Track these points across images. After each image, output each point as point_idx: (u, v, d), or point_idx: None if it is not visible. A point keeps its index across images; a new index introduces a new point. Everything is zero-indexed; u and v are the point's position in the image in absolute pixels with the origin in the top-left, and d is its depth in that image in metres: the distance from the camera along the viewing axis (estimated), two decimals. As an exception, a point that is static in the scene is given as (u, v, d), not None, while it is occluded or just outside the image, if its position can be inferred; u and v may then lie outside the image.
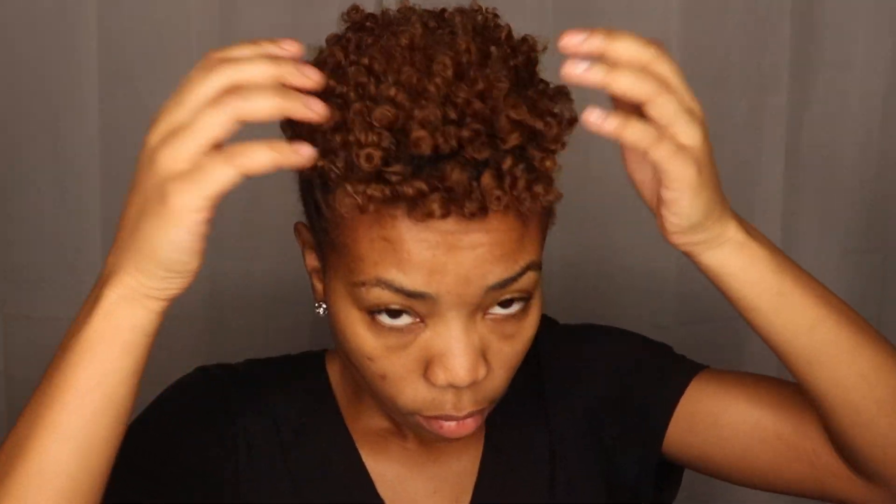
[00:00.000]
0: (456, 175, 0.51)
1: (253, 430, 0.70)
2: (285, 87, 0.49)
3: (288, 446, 0.71)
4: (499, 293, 0.57)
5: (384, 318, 0.57)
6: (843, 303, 0.62)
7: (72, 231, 1.16)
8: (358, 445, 0.71)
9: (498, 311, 0.58)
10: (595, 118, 0.52)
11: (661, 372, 0.75)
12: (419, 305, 0.56)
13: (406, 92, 0.52)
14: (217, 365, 0.75)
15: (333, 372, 0.74)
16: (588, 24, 1.25)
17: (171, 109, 0.53)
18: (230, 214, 1.16)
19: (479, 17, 0.59)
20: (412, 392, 0.59)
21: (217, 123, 0.48)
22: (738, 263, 0.59)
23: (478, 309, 0.57)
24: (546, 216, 0.61)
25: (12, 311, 1.18)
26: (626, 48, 0.52)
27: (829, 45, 1.23)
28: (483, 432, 0.73)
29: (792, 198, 1.26)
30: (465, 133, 0.51)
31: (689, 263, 1.31)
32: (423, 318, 0.57)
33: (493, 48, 0.56)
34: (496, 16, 0.60)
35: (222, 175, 0.48)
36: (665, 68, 0.54)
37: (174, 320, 1.19)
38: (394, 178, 0.51)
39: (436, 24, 0.57)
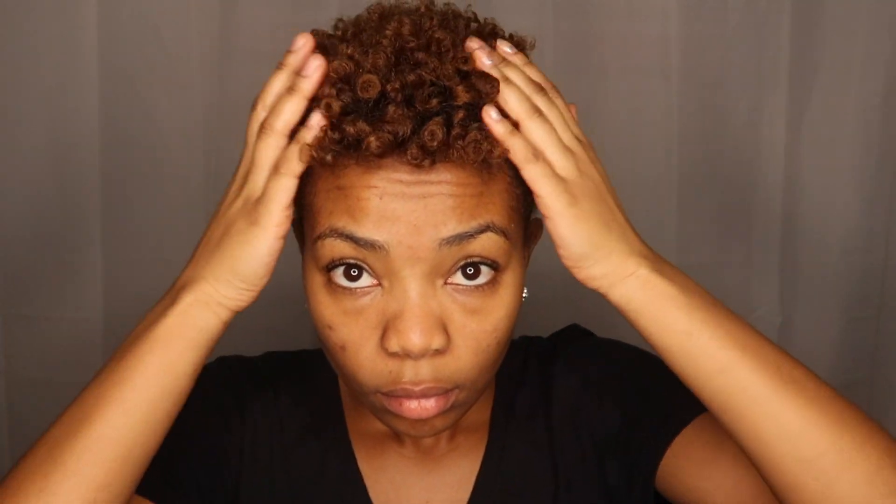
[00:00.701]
0: (397, 116, 0.53)
1: (260, 427, 0.72)
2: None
3: (290, 447, 0.72)
4: (456, 251, 0.55)
5: (341, 279, 0.57)
6: (773, 349, 0.57)
7: (72, 231, 1.16)
8: (356, 449, 0.72)
9: (461, 279, 0.57)
10: (490, 117, 0.54)
11: (665, 406, 0.69)
12: (374, 259, 0.55)
13: (362, 46, 0.55)
14: (236, 357, 0.76)
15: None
16: (588, 23, 1.26)
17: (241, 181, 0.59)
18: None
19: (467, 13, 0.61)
20: (370, 364, 0.57)
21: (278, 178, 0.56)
22: (643, 300, 0.58)
23: (436, 272, 0.56)
24: (518, 195, 0.59)
25: (12, 311, 1.18)
26: (517, 76, 0.57)
27: (829, 45, 1.23)
28: (484, 444, 0.72)
29: (792, 198, 1.26)
30: (411, 77, 0.53)
31: (690, 263, 1.32)
32: (380, 279, 0.56)
33: (460, 22, 0.59)
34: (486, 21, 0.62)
35: (285, 184, 0.55)
36: (547, 102, 0.58)
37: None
38: (345, 124, 0.53)
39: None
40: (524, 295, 0.63)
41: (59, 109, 1.13)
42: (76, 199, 1.15)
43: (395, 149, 0.53)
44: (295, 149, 0.55)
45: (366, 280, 0.57)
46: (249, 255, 0.56)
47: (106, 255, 1.16)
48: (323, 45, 0.58)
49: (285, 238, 0.56)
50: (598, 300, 1.34)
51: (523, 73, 0.58)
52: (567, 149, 0.57)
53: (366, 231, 0.55)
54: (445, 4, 0.61)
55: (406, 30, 0.55)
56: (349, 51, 0.55)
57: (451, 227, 0.55)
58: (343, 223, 0.55)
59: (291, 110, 0.55)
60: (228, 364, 0.75)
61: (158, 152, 1.15)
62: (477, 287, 0.57)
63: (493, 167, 0.56)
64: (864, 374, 1.33)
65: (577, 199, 0.56)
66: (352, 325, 0.57)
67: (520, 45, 0.61)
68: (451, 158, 0.54)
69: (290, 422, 0.72)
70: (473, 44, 0.56)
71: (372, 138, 0.53)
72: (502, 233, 0.56)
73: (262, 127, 0.57)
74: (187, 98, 1.14)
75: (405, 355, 0.56)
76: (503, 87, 0.55)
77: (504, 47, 0.58)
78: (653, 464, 0.68)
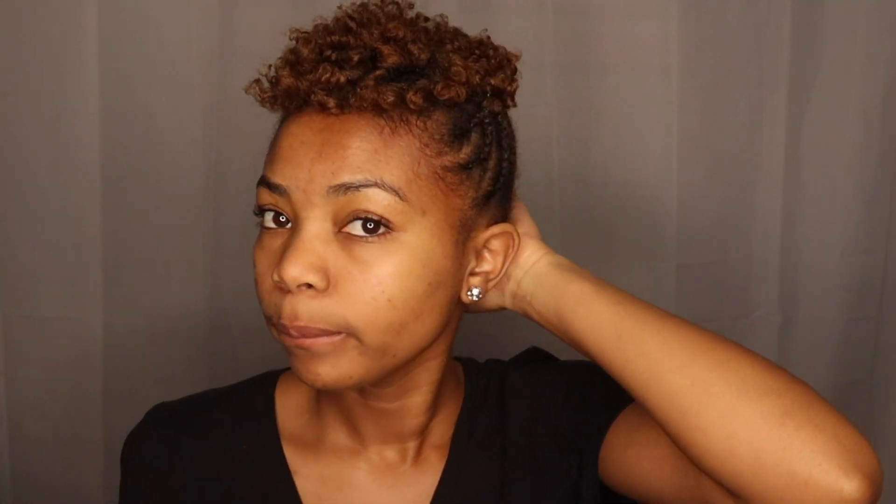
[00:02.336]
0: (310, 61, 0.59)
1: (201, 465, 0.72)
2: None
3: (228, 480, 0.71)
4: (345, 201, 0.58)
5: (268, 221, 0.61)
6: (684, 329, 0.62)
7: (72, 231, 1.16)
8: (302, 468, 0.71)
9: (357, 230, 0.59)
10: None
11: (602, 399, 0.70)
12: (283, 203, 0.60)
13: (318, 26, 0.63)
14: (161, 406, 0.76)
15: (283, 394, 0.74)
16: (588, 23, 1.26)
17: None
18: (230, 214, 1.16)
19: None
20: (267, 296, 0.61)
21: None
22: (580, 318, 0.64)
23: (331, 219, 0.59)
24: (435, 166, 0.60)
25: (12, 311, 1.18)
26: None
27: (829, 45, 1.23)
28: (442, 462, 0.71)
29: (792, 198, 1.26)
30: (335, 38, 0.60)
31: (689, 264, 1.32)
32: (291, 221, 0.61)
33: (427, 21, 0.64)
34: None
35: None
36: None
37: (176, 321, 1.20)
38: (277, 73, 0.61)
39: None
40: (473, 296, 0.65)
41: (59, 109, 1.13)
42: (76, 199, 1.15)
43: (308, 94, 0.59)
44: None
45: (287, 225, 0.61)
46: None
47: (106, 255, 1.16)
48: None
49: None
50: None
51: None
52: None
53: (275, 176, 0.60)
54: (440, 15, 0.68)
55: (351, 10, 0.63)
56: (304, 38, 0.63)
57: (339, 177, 0.58)
58: (266, 170, 0.61)
59: None
60: (153, 421, 0.75)
61: (158, 152, 1.15)
62: (364, 239, 0.59)
63: (400, 129, 0.59)
64: (864, 374, 1.33)
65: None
66: (263, 260, 0.62)
67: (507, 57, 0.65)
68: (354, 107, 0.58)
69: (219, 455, 0.72)
70: None
71: (284, 76, 0.60)
72: (393, 191, 0.58)
73: None
74: (187, 98, 1.14)
75: (285, 287, 0.58)
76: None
77: None
78: (594, 452, 0.69)
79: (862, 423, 1.35)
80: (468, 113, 0.62)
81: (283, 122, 0.62)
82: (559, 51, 1.18)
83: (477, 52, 0.64)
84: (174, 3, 1.13)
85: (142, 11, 1.12)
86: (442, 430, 0.72)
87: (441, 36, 0.64)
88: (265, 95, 0.62)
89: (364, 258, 0.59)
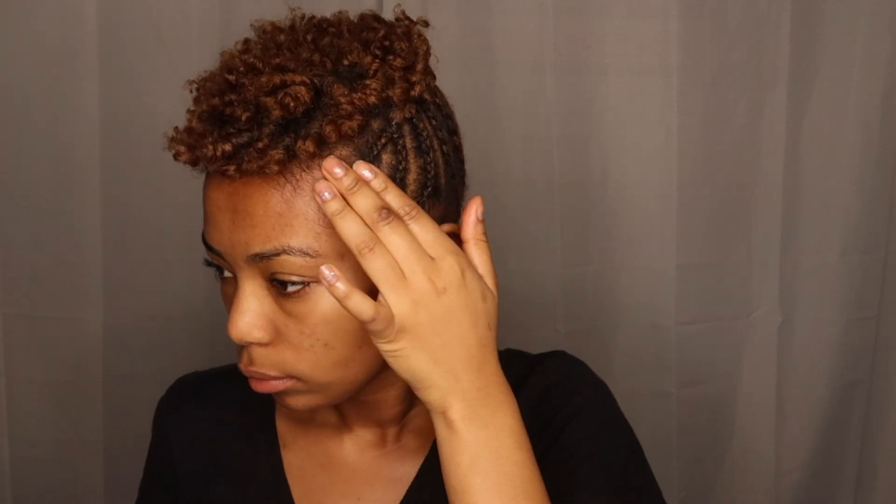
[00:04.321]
0: (198, 132, 0.59)
1: (204, 431, 0.78)
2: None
3: (220, 450, 0.77)
4: (263, 267, 0.59)
5: (218, 271, 0.64)
6: None
7: (72, 231, 1.16)
8: (287, 446, 0.75)
9: (278, 288, 0.60)
10: (322, 196, 0.56)
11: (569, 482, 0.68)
12: (221, 260, 0.62)
13: (212, 73, 0.63)
14: (185, 376, 0.83)
15: None
16: (588, 23, 1.26)
17: None
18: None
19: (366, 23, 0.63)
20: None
21: None
22: (442, 439, 0.59)
23: (258, 276, 0.60)
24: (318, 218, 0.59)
25: (12, 311, 1.18)
26: (364, 202, 0.57)
27: (829, 45, 1.23)
28: (425, 447, 0.72)
29: (792, 198, 1.26)
30: (223, 99, 0.59)
31: (689, 264, 1.32)
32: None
33: (321, 39, 0.61)
34: (380, 20, 0.63)
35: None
36: (395, 230, 0.57)
37: (176, 321, 1.20)
38: (174, 145, 0.62)
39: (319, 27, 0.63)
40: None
41: (59, 109, 1.13)
42: (76, 199, 1.15)
43: (202, 161, 0.59)
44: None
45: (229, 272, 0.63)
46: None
47: (106, 255, 1.16)
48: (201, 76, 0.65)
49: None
50: (595, 295, 1.34)
51: (373, 199, 0.57)
52: (407, 284, 0.57)
53: (209, 239, 0.62)
54: (340, 12, 0.64)
55: (237, 56, 0.62)
56: (207, 73, 0.63)
57: (252, 247, 0.59)
58: (204, 229, 0.63)
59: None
60: (173, 387, 0.82)
61: (158, 152, 1.15)
62: (289, 294, 0.60)
63: (301, 183, 0.58)
64: (864, 374, 1.33)
65: (405, 332, 0.57)
66: (227, 306, 0.64)
67: (414, 51, 0.61)
68: (252, 170, 0.57)
69: (220, 425, 0.77)
70: (329, 164, 0.57)
71: (182, 151, 0.60)
72: (302, 253, 0.58)
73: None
74: (187, 98, 1.14)
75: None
76: (340, 218, 0.56)
77: (363, 170, 0.58)
78: None
79: (862, 423, 1.35)
80: (374, 134, 0.59)
81: (207, 176, 0.63)
82: (559, 51, 1.18)
83: (378, 55, 0.60)
84: (174, 3, 1.13)
85: (142, 11, 1.12)
86: (423, 417, 0.73)
87: (339, 48, 0.60)
88: (183, 161, 0.62)
89: (294, 311, 0.61)
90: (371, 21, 0.63)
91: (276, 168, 0.57)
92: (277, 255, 0.58)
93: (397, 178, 0.60)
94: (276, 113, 0.57)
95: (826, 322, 1.30)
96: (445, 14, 1.16)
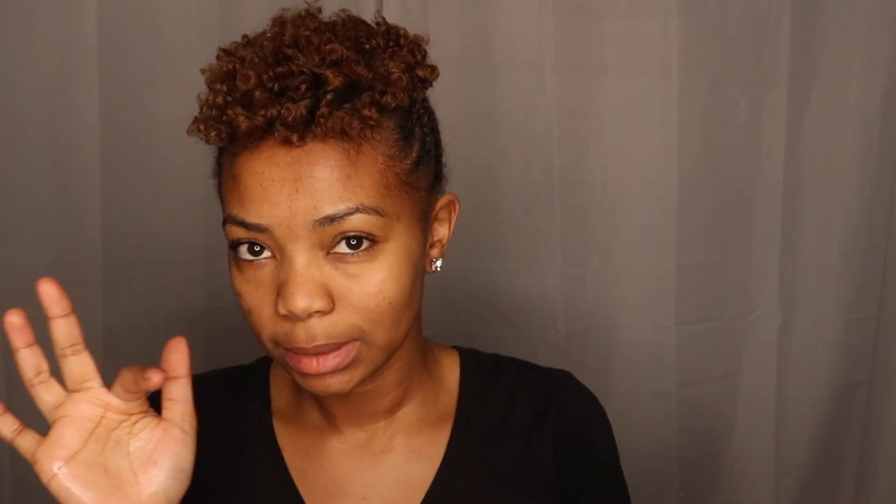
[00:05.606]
0: (264, 99, 0.59)
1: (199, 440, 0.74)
2: None
3: (224, 454, 0.75)
4: (331, 230, 0.61)
5: (245, 254, 0.63)
6: None
7: (72, 231, 1.16)
8: (288, 445, 0.75)
9: (343, 248, 0.62)
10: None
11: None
12: (264, 238, 0.62)
13: (250, 48, 0.63)
14: None
15: (277, 374, 0.78)
16: (588, 23, 1.26)
17: None
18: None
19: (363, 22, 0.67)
20: (271, 325, 0.63)
21: None
22: None
23: (317, 245, 0.61)
24: (398, 173, 0.63)
25: (12, 311, 1.18)
26: None
27: (829, 45, 1.23)
28: (441, 454, 0.73)
29: (792, 198, 1.26)
30: (282, 69, 0.60)
31: (689, 264, 1.32)
32: (274, 253, 0.63)
33: (344, 28, 0.64)
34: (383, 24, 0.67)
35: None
36: None
37: (176, 321, 1.20)
38: (227, 109, 0.61)
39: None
40: (434, 268, 0.70)
41: (59, 109, 1.13)
42: (76, 198, 1.15)
43: (267, 130, 0.60)
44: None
45: (265, 254, 0.63)
46: None
47: (106, 256, 1.16)
48: (227, 51, 0.66)
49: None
50: (595, 295, 1.33)
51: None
52: None
53: (252, 216, 0.61)
54: (342, 10, 0.67)
55: (286, 32, 0.63)
56: (240, 53, 0.63)
57: (322, 210, 0.60)
58: (236, 210, 0.62)
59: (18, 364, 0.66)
60: None
61: (158, 152, 1.15)
62: (354, 255, 0.62)
63: (364, 147, 0.61)
64: (864, 375, 1.33)
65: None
66: (254, 292, 0.64)
67: (416, 42, 0.66)
68: (316, 135, 0.60)
69: (216, 429, 0.73)
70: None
71: (242, 117, 0.59)
72: (374, 211, 0.61)
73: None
74: (187, 98, 1.14)
75: (294, 317, 0.62)
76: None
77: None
78: None
79: (862, 423, 1.35)
80: (407, 111, 0.65)
81: (236, 157, 0.62)
82: (559, 51, 1.18)
83: (392, 44, 0.65)
84: (174, 3, 1.13)
85: (142, 11, 1.12)
86: (417, 415, 0.74)
87: (355, 36, 0.64)
88: (215, 136, 0.63)
89: (357, 273, 0.62)
90: (361, 21, 0.67)
91: (342, 133, 0.60)
92: (352, 213, 0.60)
93: (426, 150, 0.66)
94: (337, 82, 0.59)
95: (826, 322, 1.30)
96: (445, 14, 1.17)
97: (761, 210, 1.26)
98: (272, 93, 0.60)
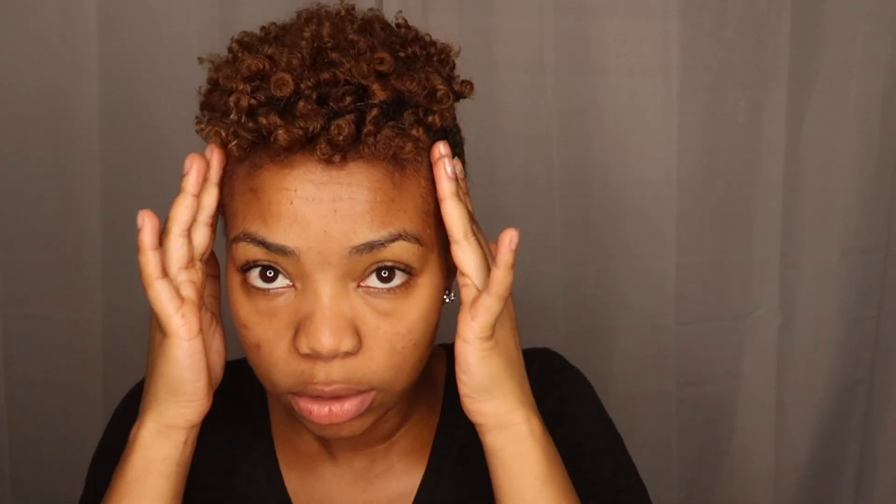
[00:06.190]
0: (308, 111, 0.53)
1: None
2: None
3: (216, 464, 0.71)
4: (368, 258, 0.55)
5: (256, 280, 0.57)
6: None
7: (72, 231, 1.16)
8: (284, 466, 0.71)
9: (375, 282, 0.56)
10: (440, 152, 0.57)
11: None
12: (286, 263, 0.55)
13: (281, 46, 0.56)
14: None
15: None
16: (588, 23, 1.26)
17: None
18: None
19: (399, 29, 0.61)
20: (283, 364, 0.57)
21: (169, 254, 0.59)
22: (512, 455, 0.60)
23: (349, 275, 0.56)
24: (436, 200, 0.58)
25: (12, 311, 1.18)
26: (464, 198, 0.59)
27: (829, 45, 1.23)
28: (422, 466, 0.70)
29: (792, 198, 1.26)
30: (325, 76, 0.54)
31: (689, 264, 1.32)
32: (293, 281, 0.56)
33: (380, 31, 0.58)
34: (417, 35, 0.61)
35: (157, 292, 0.58)
36: (477, 233, 0.59)
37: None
38: (258, 116, 0.54)
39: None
40: (447, 299, 0.63)
41: (59, 109, 1.13)
42: (76, 199, 1.15)
43: (306, 145, 0.53)
44: (162, 256, 0.58)
45: (280, 281, 0.57)
46: (171, 367, 0.58)
47: (106, 255, 1.16)
48: (246, 45, 0.59)
49: (200, 337, 0.58)
50: (595, 295, 1.33)
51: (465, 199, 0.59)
52: (497, 294, 0.58)
53: (277, 236, 0.54)
54: (370, 10, 0.61)
55: (325, 32, 0.56)
56: (268, 50, 0.56)
57: (362, 235, 0.54)
58: (255, 228, 0.55)
59: (179, 209, 0.58)
60: (127, 405, 0.74)
61: (158, 152, 1.15)
62: (390, 290, 0.57)
63: (407, 170, 0.56)
64: (864, 375, 1.33)
65: (496, 329, 0.58)
66: (266, 324, 0.57)
67: (447, 52, 0.61)
68: (362, 155, 0.54)
69: (215, 437, 0.69)
70: (440, 150, 0.57)
71: (281, 131, 0.53)
72: (415, 240, 0.56)
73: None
74: (187, 98, 1.14)
75: (316, 356, 0.56)
76: (453, 202, 0.57)
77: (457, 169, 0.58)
78: None
79: (862, 423, 1.35)
80: (446, 131, 0.60)
81: (258, 169, 0.56)
82: (559, 51, 1.18)
83: (426, 54, 0.59)
84: (174, 3, 1.13)
85: (142, 11, 1.12)
86: (414, 434, 0.71)
87: (391, 42, 0.58)
88: (236, 144, 0.55)
89: (389, 309, 0.57)
90: (387, 23, 0.61)
91: (388, 152, 0.54)
92: (394, 240, 0.55)
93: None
94: (383, 96, 0.54)
95: (826, 322, 1.30)
96: (445, 14, 1.16)
97: (761, 210, 1.26)
98: (313, 102, 0.53)
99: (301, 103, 0.53)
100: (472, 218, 0.59)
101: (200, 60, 0.62)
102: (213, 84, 0.60)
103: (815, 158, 1.26)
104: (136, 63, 1.13)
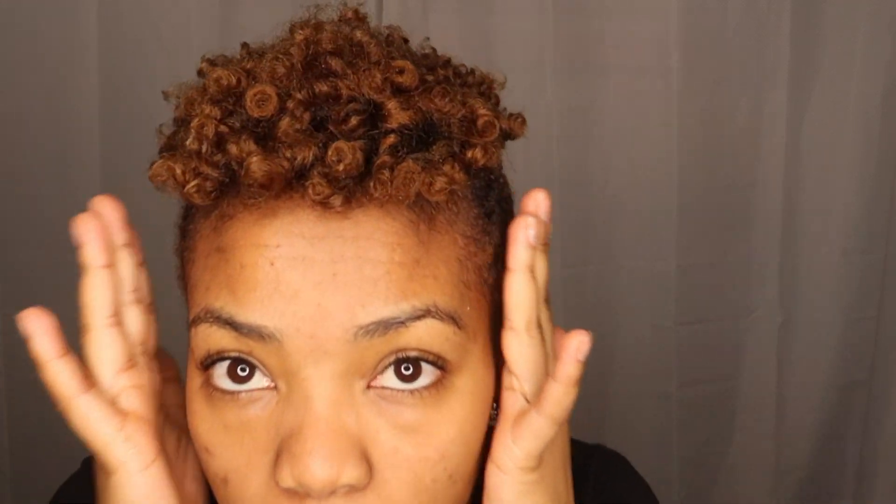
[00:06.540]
0: (295, 134, 0.38)
1: None
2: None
3: None
4: (382, 345, 0.38)
5: (222, 380, 0.40)
6: None
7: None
8: None
9: (393, 381, 0.40)
10: (535, 204, 0.42)
11: None
12: (264, 353, 0.39)
13: (255, 59, 0.42)
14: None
15: None
16: (588, 23, 1.26)
17: None
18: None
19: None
20: (261, 500, 0.40)
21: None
22: None
23: (354, 371, 0.39)
24: (480, 264, 0.43)
25: (12, 312, 1.18)
26: (544, 267, 0.42)
27: (829, 45, 1.23)
28: None
29: (792, 198, 1.26)
30: (323, 88, 0.39)
31: (689, 264, 1.32)
32: (275, 380, 0.40)
33: (402, 44, 0.45)
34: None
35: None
36: (546, 321, 0.43)
37: (176, 321, 1.19)
38: (227, 144, 0.39)
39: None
40: (495, 412, 0.44)
41: (59, 109, 1.13)
42: (76, 198, 1.15)
43: (293, 182, 0.38)
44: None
45: (257, 381, 0.40)
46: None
47: (106, 255, 1.16)
48: (221, 63, 0.46)
49: (161, 463, 0.42)
50: (595, 295, 1.33)
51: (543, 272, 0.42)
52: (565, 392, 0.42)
53: (250, 313, 0.38)
54: (388, 26, 0.47)
55: (324, 36, 0.41)
56: (246, 64, 0.41)
57: (374, 310, 0.38)
58: (221, 302, 0.39)
59: (92, 293, 0.47)
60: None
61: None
62: (414, 393, 0.40)
63: (438, 222, 0.40)
64: (864, 375, 1.33)
65: (543, 458, 0.42)
66: (235, 447, 0.40)
67: (490, 83, 0.49)
68: (373, 197, 0.38)
69: None
70: (537, 199, 0.42)
71: (256, 159, 0.37)
72: (451, 319, 0.39)
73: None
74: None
75: (305, 493, 0.38)
76: (524, 278, 0.40)
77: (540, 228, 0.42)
78: None
79: (862, 423, 1.35)
80: (488, 176, 0.44)
81: (227, 220, 0.41)
82: (559, 51, 1.18)
83: (461, 83, 0.46)
84: (174, 3, 1.12)
85: (142, 11, 1.12)
86: None
87: (414, 61, 0.43)
88: (196, 187, 0.40)
89: (412, 422, 0.40)
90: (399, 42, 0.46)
91: (411, 193, 0.38)
92: (419, 318, 0.38)
93: (503, 232, 0.44)
94: (404, 118, 0.39)
95: (826, 322, 1.30)
96: (445, 14, 1.16)
97: (761, 210, 1.26)
98: (303, 122, 0.38)
99: (286, 122, 0.38)
100: (547, 298, 0.44)
101: (166, 96, 0.48)
102: (179, 123, 0.46)
103: (815, 158, 1.26)
104: (136, 63, 1.13)
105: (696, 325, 1.27)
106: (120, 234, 0.47)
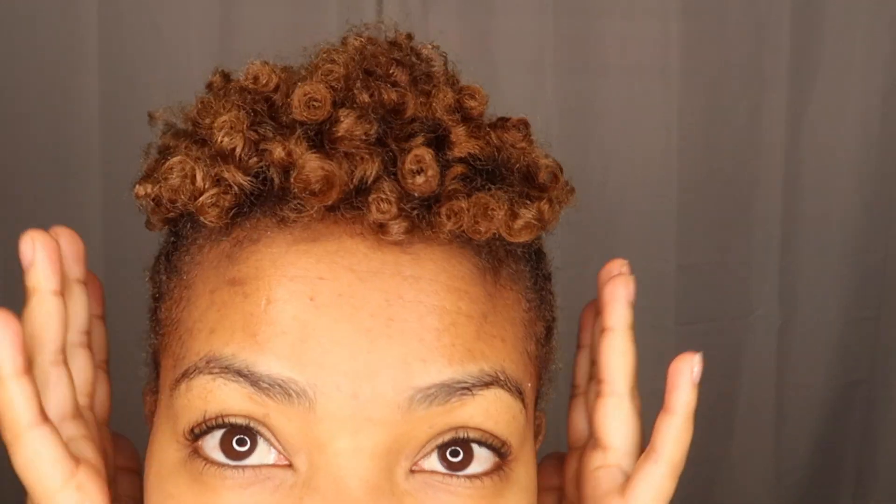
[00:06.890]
0: (357, 140, 0.31)
1: None
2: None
3: None
4: (439, 417, 0.31)
5: (214, 452, 0.31)
6: None
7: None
8: None
9: (435, 463, 0.32)
10: (620, 266, 0.35)
11: None
12: (282, 417, 0.30)
13: (286, 71, 0.35)
14: None
15: None
16: (588, 23, 1.26)
17: None
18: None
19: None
20: None
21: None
22: None
23: (400, 449, 0.31)
24: (538, 332, 0.37)
25: (12, 312, 1.18)
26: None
27: (829, 45, 1.23)
28: None
29: (792, 198, 1.26)
30: (392, 96, 0.33)
31: (689, 264, 1.32)
32: (289, 456, 0.31)
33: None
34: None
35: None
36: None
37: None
38: (266, 145, 0.32)
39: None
40: None
41: (59, 109, 1.13)
42: (76, 198, 1.15)
43: (352, 199, 0.31)
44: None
45: (259, 456, 0.31)
46: None
47: (106, 255, 1.16)
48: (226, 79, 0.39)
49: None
50: (595, 295, 1.34)
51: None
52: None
53: (274, 362, 0.30)
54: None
55: (378, 50, 0.36)
56: (281, 73, 0.36)
57: (437, 370, 0.31)
58: (233, 348, 0.31)
59: (38, 320, 0.36)
60: None
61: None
62: (474, 481, 0.32)
63: (503, 275, 0.34)
64: (864, 374, 1.33)
65: None
66: None
67: (519, 126, 0.43)
68: (440, 231, 0.31)
69: None
70: (617, 266, 0.36)
71: (311, 156, 0.30)
72: (518, 392, 0.33)
73: None
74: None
75: None
76: (629, 337, 0.34)
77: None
78: None
79: (862, 423, 1.35)
80: (540, 249, 0.40)
81: (249, 244, 0.33)
82: (559, 51, 1.18)
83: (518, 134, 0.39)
84: (174, 2, 1.12)
85: (142, 11, 1.12)
86: None
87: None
88: (213, 201, 0.32)
89: None
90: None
91: (488, 231, 0.32)
92: (488, 385, 0.31)
93: (552, 314, 0.40)
94: (474, 147, 0.34)
95: (826, 322, 1.30)
96: (446, 15, 1.16)
97: (761, 210, 1.26)
98: (365, 125, 0.32)
99: (350, 123, 0.31)
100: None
101: (151, 119, 0.38)
102: (164, 150, 0.37)
103: (815, 158, 1.26)
104: (136, 63, 1.13)
105: (696, 325, 1.27)
106: (75, 267, 0.37)
